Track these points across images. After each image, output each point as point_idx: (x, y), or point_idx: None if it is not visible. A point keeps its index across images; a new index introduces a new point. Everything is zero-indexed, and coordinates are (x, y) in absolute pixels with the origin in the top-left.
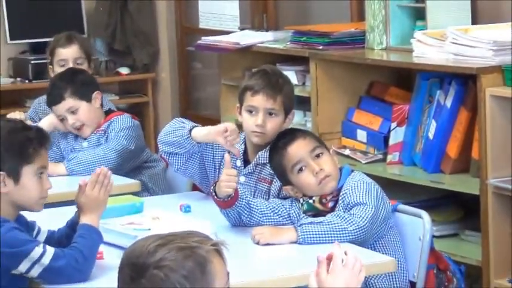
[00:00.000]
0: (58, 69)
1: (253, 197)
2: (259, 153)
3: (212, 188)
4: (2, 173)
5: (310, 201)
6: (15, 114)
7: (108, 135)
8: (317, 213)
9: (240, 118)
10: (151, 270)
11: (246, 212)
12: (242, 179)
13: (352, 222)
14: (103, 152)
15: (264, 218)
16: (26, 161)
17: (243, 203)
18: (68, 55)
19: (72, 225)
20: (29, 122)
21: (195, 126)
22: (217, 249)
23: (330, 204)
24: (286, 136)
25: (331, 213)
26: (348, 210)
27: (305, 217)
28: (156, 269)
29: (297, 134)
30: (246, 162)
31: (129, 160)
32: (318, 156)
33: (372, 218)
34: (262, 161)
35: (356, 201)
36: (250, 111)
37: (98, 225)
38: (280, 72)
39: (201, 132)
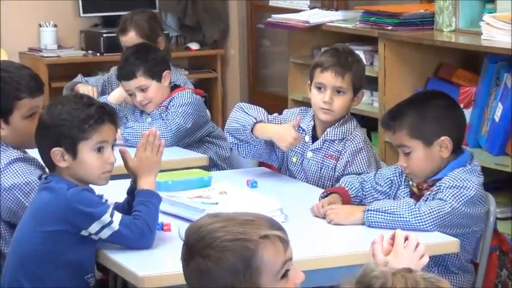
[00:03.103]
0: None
1: (320, 172)
2: (328, 129)
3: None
4: (59, 148)
5: (410, 182)
6: (88, 90)
7: (168, 112)
8: (413, 193)
9: (310, 94)
10: (197, 257)
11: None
12: (309, 154)
13: (416, 215)
14: (159, 130)
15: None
16: (82, 137)
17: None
18: (127, 42)
19: (132, 192)
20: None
21: (255, 123)
22: (269, 238)
23: (426, 193)
24: (392, 116)
25: (404, 200)
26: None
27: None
28: (201, 257)
29: (392, 123)
30: (314, 138)
31: (185, 136)
32: (406, 154)
33: (442, 217)
34: (330, 138)
35: (439, 197)
36: (319, 88)
37: (155, 187)
38: (351, 50)
39: (264, 135)
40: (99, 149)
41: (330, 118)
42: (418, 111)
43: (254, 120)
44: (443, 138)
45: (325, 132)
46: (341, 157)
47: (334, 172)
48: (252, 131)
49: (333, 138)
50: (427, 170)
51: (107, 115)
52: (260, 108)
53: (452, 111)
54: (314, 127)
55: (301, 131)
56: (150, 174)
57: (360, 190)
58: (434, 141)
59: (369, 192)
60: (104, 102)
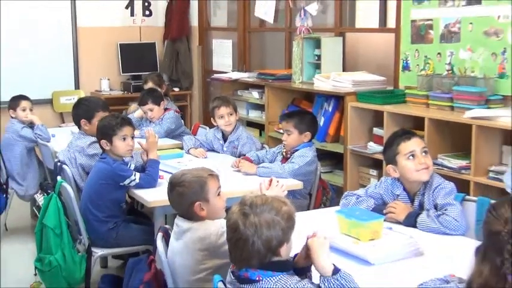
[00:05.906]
0: None
1: (231, 155)
2: (229, 135)
3: None
4: (104, 140)
5: (283, 152)
6: (133, 107)
7: (162, 121)
8: (283, 158)
9: (215, 122)
10: (176, 187)
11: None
12: (225, 148)
13: (282, 169)
14: (158, 130)
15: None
16: (113, 134)
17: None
18: (147, 87)
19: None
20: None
21: (188, 149)
22: (212, 176)
23: (289, 158)
24: (286, 116)
25: (276, 162)
26: (288, 162)
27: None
28: (179, 186)
29: (286, 119)
30: (225, 140)
31: (171, 133)
32: (288, 134)
33: (294, 170)
34: (232, 139)
35: (292, 161)
36: (221, 117)
37: (157, 156)
38: (227, 96)
39: (192, 153)
40: (124, 139)
41: (230, 128)
42: (298, 117)
43: (187, 148)
44: (307, 132)
45: (229, 136)
46: (238, 147)
47: (237, 155)
48: (189, 152)
49: (232, 139)
50: (294, 145)
51: (126, 121)
52: (192, 137)
53: (312, 120)
54: (223, 135)
55: (217, 139)
56: (154, 150)
57: (257, 158)
58: (303, 133)
59: (262, 159)
60: (124, 115)
